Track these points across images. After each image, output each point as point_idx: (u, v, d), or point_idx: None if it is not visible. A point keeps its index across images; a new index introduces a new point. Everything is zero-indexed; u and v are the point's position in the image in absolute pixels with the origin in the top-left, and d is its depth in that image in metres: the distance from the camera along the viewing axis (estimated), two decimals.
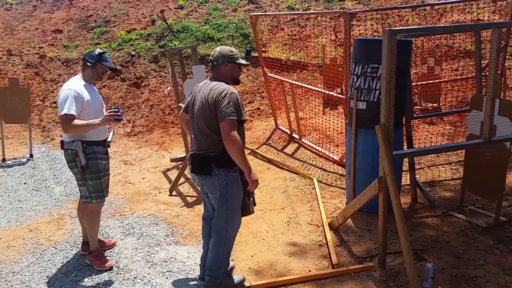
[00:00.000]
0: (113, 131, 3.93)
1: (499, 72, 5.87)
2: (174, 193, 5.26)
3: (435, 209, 4.43)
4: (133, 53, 9.79)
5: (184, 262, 3.65)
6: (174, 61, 8.18)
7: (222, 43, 9.90)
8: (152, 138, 7.71)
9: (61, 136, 3.64)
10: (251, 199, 3.13)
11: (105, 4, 12.05)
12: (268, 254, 3.75)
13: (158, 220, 4.52)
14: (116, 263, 3.67)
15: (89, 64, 3.46)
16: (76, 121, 3.26)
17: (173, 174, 5.80)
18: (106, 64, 3.53)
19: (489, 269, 3.27)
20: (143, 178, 5.83)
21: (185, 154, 6.22)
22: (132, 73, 9.33)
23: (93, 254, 3.61)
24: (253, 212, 3.22)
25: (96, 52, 3.48)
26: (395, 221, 3.06)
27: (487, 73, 3.34)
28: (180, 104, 6.16)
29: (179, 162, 6.29)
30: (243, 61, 3.02)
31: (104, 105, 3.74)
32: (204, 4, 11.49)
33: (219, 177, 2.85)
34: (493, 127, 3.56)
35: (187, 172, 5.78)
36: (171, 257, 3.74)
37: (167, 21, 10.43)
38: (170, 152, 7.02)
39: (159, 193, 5.30)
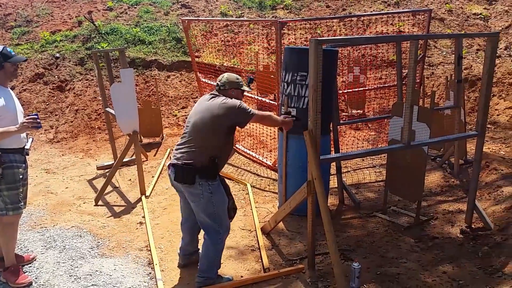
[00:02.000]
0: (32, 138, 3.66)
1: (418, 80, 6.32)
2: (100, 203, 4.99)
3: (360, 210, 4.63)
4: (58, 55, 9.24)
5: (111, 275, 3.47)
6: (101, 64, 7.84)
7: (153, 47, 9.67)
8: (77, 145, 7.30)
9: None
10: (233, 201, 3.30)
11: (26, 2, 11.27)
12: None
13: (82, 231, 4.26)
14: (36, 278, 3.41)
15: None
16: None
17: (99, 183, 5.52)
18: (13, 60, 3.26)
19: (410, 266, 3.46)
20: (67, 188, 5.48)
21: (113, 162, 5.96)
22: (56, 76, 8.79)
23: (9, 270, 3.35)
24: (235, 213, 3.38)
25: None
26: (323, 223, 3.15)
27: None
28: (107, 109, 5.90)
29: (106, 170, 6.00)
30: (246, 88, 3.36)
31: (23, 111, 3.47)
32: (135, 6, 11.16)
33: (202, 187, 3.02)
34: (412, 132, 3.80)
35: (114, 180, 5.54)
36: (96, 270, 3.54)
37: (95, 23, 9.98)
38: (97, 159, 6.68)
39: (84, 203, 5.01)
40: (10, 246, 3.36)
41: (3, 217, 3.27)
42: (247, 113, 3.09)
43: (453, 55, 8.40)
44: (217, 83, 3.25)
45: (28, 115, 3.13)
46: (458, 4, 11.03)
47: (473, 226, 4.06)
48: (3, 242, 3.35)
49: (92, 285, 3.33)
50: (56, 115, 8.09)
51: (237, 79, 3.27)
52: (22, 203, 3.37)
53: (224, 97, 3.13)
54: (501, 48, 8.74)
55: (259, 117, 3.26)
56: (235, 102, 3.09)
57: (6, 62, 3.22)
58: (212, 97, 3.17)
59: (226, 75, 3.28)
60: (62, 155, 6.90)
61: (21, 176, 3.31)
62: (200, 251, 3.46)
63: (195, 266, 3.55)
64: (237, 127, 3.21)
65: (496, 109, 7.15)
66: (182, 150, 3.08)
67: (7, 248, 3.35)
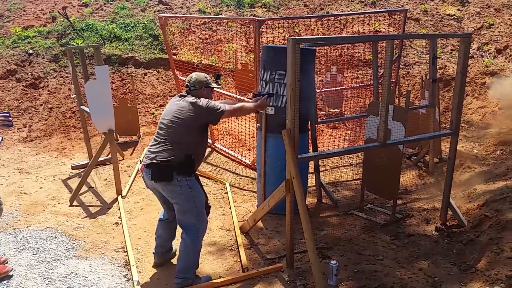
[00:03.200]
0: (2, 137, 3.54)
1: (393, 80, 6.41)
2: (75, 203, 4.88)
3: (338, 209, 4.67)
4: (31, 51, 8.97)
5: (86, 277, 3.39)
6: (76, 61, 7.66)
7: (130, 43, 9.51)
8: (51, 144, 7.12)
9: None
10: (207, 198, 3.38)
11: None
12: None
13: (57, 233, 4.16)
14: (8, 282, 3.31)
15: None
16: None
17: (74, 183, 5.39)
18: None
19: (387, 264, 3.51)
20: (41, 188, 5.34)
21: (88, 161, 5.83)
22: (29, 73, 8.54)
23: None
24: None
25: None
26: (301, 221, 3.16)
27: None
28: (82, 107, 5.77)
29: (81, 170, 5.87)
30: (215, 85, 3.44)
31: None
32: (111, 2, 10.95)
33: (181, 183, 3.07)
34: (388, 131, 3.85)
35: (89, 180, 5.43)
36: (72, 272, 3.46)
37: (70, 19, 9.75)
38: (72, 158, 6.53)
39: (59, 203, 4.89)
40: None
41: None
42: (217, 111, 3.16)
43: (428, 55, 8.58)
44: (187, 84, 3.31)
45: (1, 113, 3.08)
46: (433, 5, 11.25)
47: (447, 223, 4.15)
48: None
49: (67, 287, 3.26)
50: (29, 113, 7.87)
51: (205, 77, 3.35)
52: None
53: (192, 97, 3.20)
54: (473, 49, 8.96)
55: (231, 112, 3.34)
56: (204, 101, 3.16)
57: None
58: (182, 98, 3.24)
59: (194, 75, 3.34)
60: (36, 154, 6.71)
61: None
62: (175, 251, 3.55)
63: (171, 266, 3.52)
64: (212, 124, 3.24)
65: (469, 109, 7.33)
66: (157, 150, 3.11)
67: None
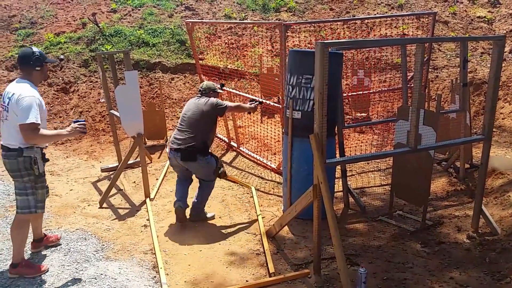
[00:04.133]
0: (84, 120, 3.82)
1: (423, 84, 6.29)
2: (104, 205, 4.99)
3: (366, 215, 4.60)
4: (62, 57, 9.25)
5: (115, 279, 3.45)
6: (106, 66, 7.84)
7: (157, 49, 9.68)
8: (81, 147, 7.30)
9: None
10: (222, 168, 4.55)
11: (30, 4, 11.30)
12: (205, 266, 3.66)
13: (87, 234, 4.25)
14: (41, 282, 3.40)
15: (38, 68, 3.36)
16: (43, 131, 3.24)
17: (103, 185, 5.51)
18: (50, 61, 3.56)
19: (416, 272, 3.43)
20: (71, 190, 5.48)
21: (117, 164, 5.95)
22: (60, 78, 8.80)
23: (21, 265, 3.44)
24: (226, 176, 4.93)
25: (37, 54, 3.34)
26: (329, 227, 3.13)
27: (413, 85, 3.54)
28: (112, 111, 5.90)
29: (111, 172, 5.99)
30: (219, 91, 4.76)
31: None
32: (139, 8, 11.18)
33: (201, 161, 4.26)
34: (419, 136, 3.77)
35: (118, 182, 5.54)
36: (101, 274, 3.52)
37: (99, 25, 10.00)
38: (101, 161, 6.68)
39: (88, 205, 5.00)
40: (24, 242, 3.46)
41: (25, 215, 3.38)
42: (222, 106, 4.38)
43: (457, 58, 8.37)
44: (200, 89, 4.60)
45: (78, 121, 3.41)
46: (462, 7, 11.01)
47: (480, 231, 4.03)
48: (17, 239, 3.41)
49: None
50: (60, 117, 8.10)
51: (213, 84, 4.64)
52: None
53: (206, 98, 4.42)
54: (506, 51, 8.71)
55: (232, 108, 4.64)
56: (213, 100, 4.38)
57: (45, 63, 3.40)
58: (198, 98, 4.47)
59: (205, 82, 4.66)
60: (67, 157, 6.90)
61: None
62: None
63: (199, 269, 3.54)
64: (220, 117, 4.50)
65: (501, 113, 7.11)
66: (183, 137, 4.25)
67: (21, 244, 3.43)
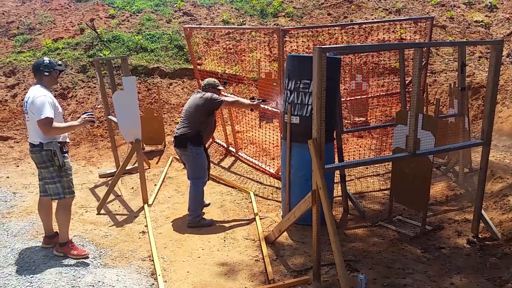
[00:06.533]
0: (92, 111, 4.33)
1: (421, 88, 6.28)
2: (102, 211, 4.96)
3: (365, 220, 4.58)
4: (60, 62, 9.19)
5: (113, 286, 3.42)
6: (104, 72, 7.82)
7: (155, 54, 9.68)
8: (79, 153, 7.27)
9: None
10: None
11: (29, 10, 11.30)
12: (203, 273, 3.63)
13: (84, 241, 4.22)
14: None
15: (47, 74, 3.80)
16: (56, 124, 3.67)
17: (101, 191, 5.48)
18: (58, 68, 3.95)
19: (417, 278, 3.41)
20: None
21: (115, 170, 5.92)
22: (58, 83, 8.78)
23: (68, 245, 3.89)
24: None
25: (47, 61, 3.84)
26: (328, 233, 3.10)
27: (411, 89, 3.53)
28: (109, 117, 5.87)
29: (108, 178, 5.96)
30: (221, 87, 4.84)
31: None
32: (137, 14, 11.19)
33: (192, 150, 4.47)
34: (417, 140, 3.76)
35: (116, 188, 5.51)
36: (99, 281, 3.49)
37: (97, 30, 10.00)
38: (99, 167, 6.65)
39: (86, 212, 4.97)
40: (67, 224, 3.92)
41: (60, 200, 3.83)
42: (218, 100, 4.50)
43: (455, 63, 8.37)
44: (202, 85, 4.79)
45: (86, 112, 3.95)
46: (459, 12, 11.04)
47: (480, 236, 4.01)
48: (62, 221, 3.88)
49: None
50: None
51: (214, 81, 4.78)
52: (73, 188, 3.94)
53: (203, 92, 4.60)
54: (503, 56, 8.73)
55: (228, 103, 4.73)
56: (209, 94, 4.53)
57: (53, 69, 3.86)
58: (197, 92, 4.69)
59: (207, 80, 4.80)
60: None
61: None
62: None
63: (198, 276, 3.51)
64: (214, 111, 4.60)
65: (499, 117, 7.12)
66: (179, 127, 4.55)
67: (64, 226, 3.90)
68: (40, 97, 3.65)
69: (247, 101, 4.84)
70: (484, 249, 3.79)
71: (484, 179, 3.98)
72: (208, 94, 4.53)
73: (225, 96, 5.13)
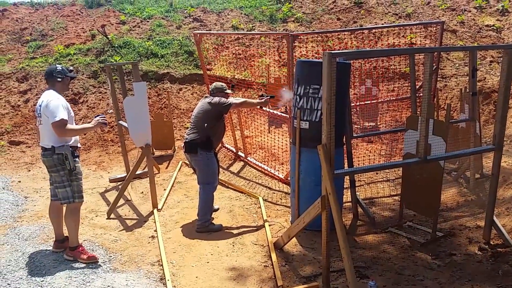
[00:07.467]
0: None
1: (432, 93, 6.24)
2: (112, 216, 4.99)
3: (375, 226, 4.54)
4: (71, 68, 9.31)
5: None
6: (114, 77, 7.90)
7: (166, 60, 9.75)
8: (89, 157, 7.34)
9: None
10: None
11: (41, 17, 11.48)
12: (212, 278, 3.63)
13: (94, 245, 4.24)
14: None
15: (59, 80, 3.91)
16: (70, 126, 3.77)
17: (112, 196, 5.52)
18: (70, 75, 4.05)
19: (427, 284, 3.37)
20: None
21: (125, 174, 5.96)
22: (70, 89, 8.89)
23: (78, 249, 3.93)
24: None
25: (59, 68, 3.95)
26: (338, 239, 3.08)
27: (422, 94, 3.50)
28: (120, 122, 5.92)
29: (119, 183, 6.00)
30: (228, 91, 4.81)
31: None
32: (148, 20, 11.30)
33: (202, 155, 4.47)
34: (428, 146, 3.73)
35: (126, 193, 5.54)
36: (108, 286, 3.50)
37: (108, 36, 10.12)
38: (109, 172, 6.70)
39: (96, 216, 5.01)
40: (76, 228, 3.96)
41: (69, 204, 3.87)
42: (226, 104, 4.50)
43: (466, 67, 8.30)
44: (210, 90, 4.81)
45: (99, 115, 4.05)
46: (470, 16, 10.96)
47: (491, 242, 3.95)
48: (72, 225, 3.92)
49: None
50: None
51: (222, 85, 4.78)
52: (83, 193, 3.99)
53: (211, 97, 4.60)
54: None
55: (237, 105, 4.71)
56: (217, 99, 4.53)
57: (65, 76, 3.97)
58: (206, 97, 4.69)
59: (215, 83, 4.81)
60: None
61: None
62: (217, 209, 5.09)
63: (207, 282, 3.51)
64: (224, 114, 4.61)
65: (511, 122, 7.03)
66: (189, 132, 4.55)
67: (73, 230, 3.93)
68: (54, 100, 3.74)
69: (255, 100, 4.88)
70: (496, 256, 3.74)
71: (496, 185, 3.93)
72: (216, 99, 4.52)
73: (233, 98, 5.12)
